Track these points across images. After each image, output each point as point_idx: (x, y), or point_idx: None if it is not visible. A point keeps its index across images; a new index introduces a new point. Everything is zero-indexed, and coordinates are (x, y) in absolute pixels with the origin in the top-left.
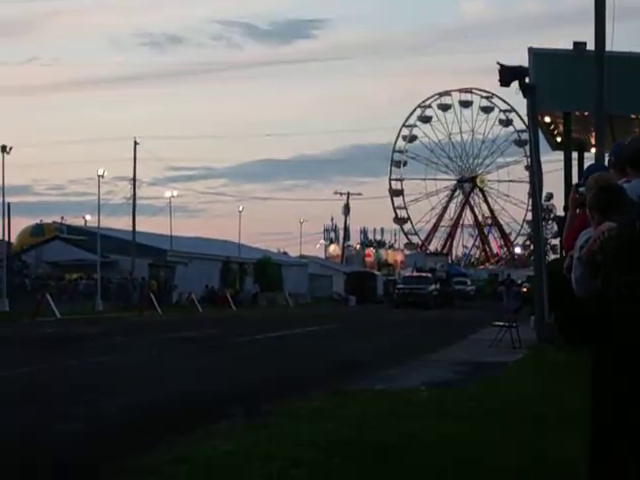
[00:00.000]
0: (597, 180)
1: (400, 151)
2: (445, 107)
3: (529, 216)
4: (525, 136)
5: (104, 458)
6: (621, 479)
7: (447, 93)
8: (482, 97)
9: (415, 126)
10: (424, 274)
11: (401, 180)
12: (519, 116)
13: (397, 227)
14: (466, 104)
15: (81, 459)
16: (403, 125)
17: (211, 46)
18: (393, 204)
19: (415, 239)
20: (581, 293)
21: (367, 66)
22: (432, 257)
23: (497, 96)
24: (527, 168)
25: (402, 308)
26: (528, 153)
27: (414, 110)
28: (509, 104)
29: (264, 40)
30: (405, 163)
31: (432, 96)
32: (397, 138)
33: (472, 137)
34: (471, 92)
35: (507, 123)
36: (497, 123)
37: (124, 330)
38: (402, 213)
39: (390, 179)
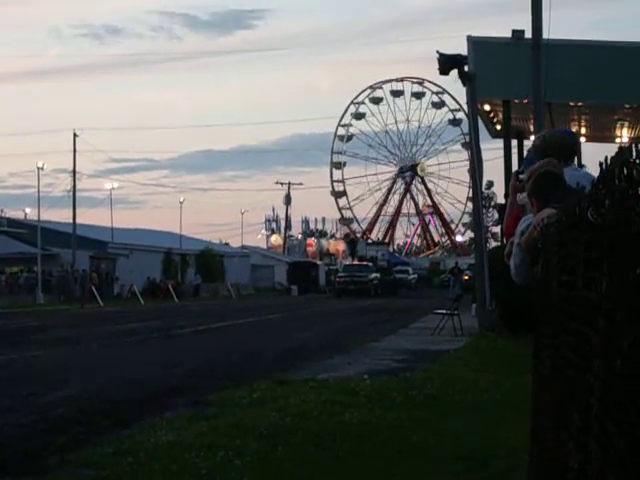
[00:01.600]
0: (540, 167)
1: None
2: (377, 100)
3: (469, 207)
4: (459, 115)
5: (45, 451)
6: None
7: (399, 80)
8: (413, 83)
9: (350, 125)
10: (365, 263)
11: (343, 153)
12: (451, 96)
13: (339, 217)
14: (397, 93)
15: (22, 452)
16: (352, 102)
17: (151, 37)
18: (332, 177)
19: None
20: (519, 280)
21: (307, 56)
22: (373, 246)
23: (427, 80)
24: (464, 146)
25: (343, 297)
26: (464, 132)
27: (364, 89)
28: (440, 86)
29: (204, 31)
30: (350, 137)
31: (364, 90)
32: (344, 113)
33: (408, 125)
34: (402, 81)
35: (440, 105)
36: (430, 106)
37: (65, 323)
38: (339, 187)
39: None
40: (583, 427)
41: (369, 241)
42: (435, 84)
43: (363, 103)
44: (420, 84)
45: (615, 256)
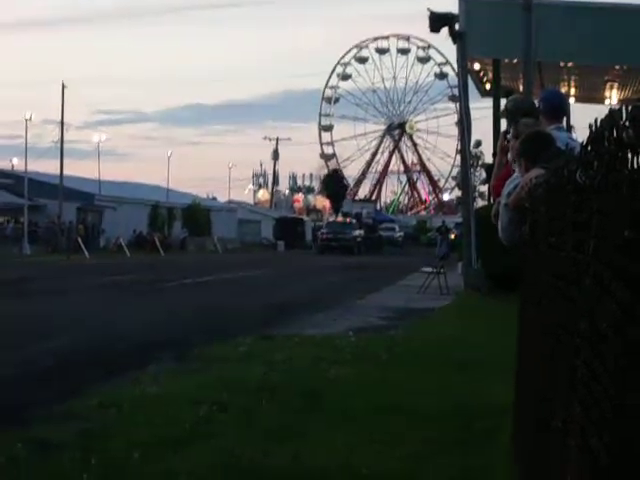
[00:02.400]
0: (528, 127)
1: (332, 87)
2: (382, 51)
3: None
4: (446, 69)
5: (30, 403)
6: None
7: (385, 37)
8: (399, 39)
9: (350, 64)
10: (348, 220)
11: (331, 116)
12: (437, 50)
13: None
14: (403, 51)
15: (6, 403)
16: (338, 62)
17: None
18: (321, 140)
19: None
20: (506, 240)
21: (300, 12)
22: (359, 203)
23: (434, 47)
24: (451, 99)
25: (326, 254)
26: (450, 85)
27: (350, 49)
28: (445, 56)
29: None
30: (337, 99)
31: (350, 50)
32: (331, 74)
33: (405, 85)
34: (408, 40)
35: (442, 76)
36: (416, 62)
37: (51, 274)
38: (329, 149)
39: (320, 114)
40: (568, 387)
41: (355, 198)
42: (421, 39)
43: (349, 64)
44: (406, 40)
45: (604, 218)
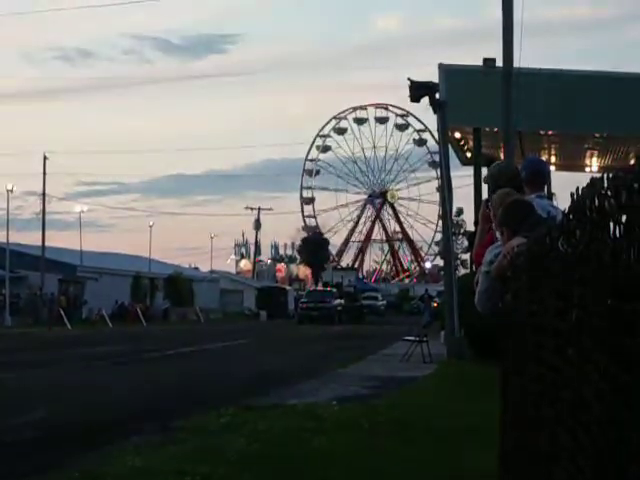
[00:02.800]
0: (502, 196)
1: (313, 160)
2: (360, 121)
3: (438, 237)
4: (424, 135)
5: (11, 476)
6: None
7: (363, 107)
8: (397, 115)
9: (329, 136)
10: (329, 288)
11: (312, 188)
12: (433, 137)
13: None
14: (382, 120)
15: None
16: (317, 135)
17: (123, 61)
18: (303, 212)
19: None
20: (482, 308)
21: (280, 81)
22: (340, 272)
23: (412, 115)
24: (431, 165)
25: (306, 323)
26: (430, 150)
27: (329, 121)
28: (424, 123)
29: (176, 55)
30: (317, 172)
31: (348, 109)
32: (311, 147)
33: (385, 153)
34: (387, 109)
35: (421, 143)
36: (411, 142)
37: (33, 346)
38: (311, 221)
39: (302, 186)
40: (551, 458)
41: (338, 267)
42: (399, 107)
43: (329, 136)
44: (384, 109)
45: (586, 287)
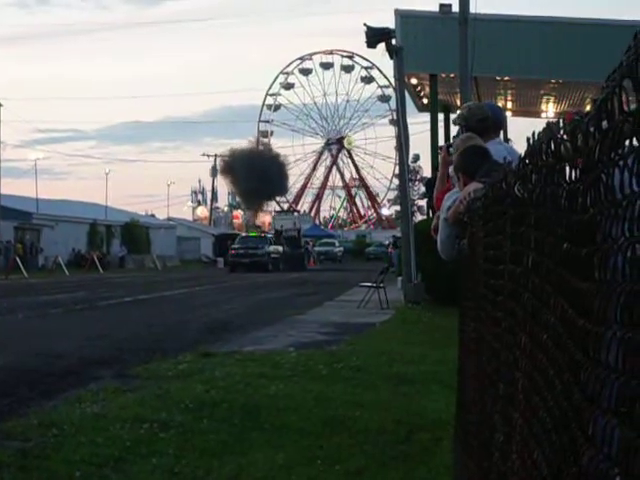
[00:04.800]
0: (465, 141)
1: (266, 121)
2: (306, 71)
3: (395, 183)
4: (388, 92)
5: None
6: (486, 435)
7: (309, 57)
8: (343, 57)
9: (279, 94)
10: (263, 234)
11: (270, 122)
12: (381, 72)
13: None
14: (327, 66)
15: None
16: (267, 94)
17: (79, 7)
18: (258, 146)
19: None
20: (445, 255)
21: (236, 27)
22: (282, 215)
23: (358, 55)
24: (392, 122)
25: (239, 271)
26: (392, 108)
27: (276, 77)
28: (370, 61)
29: (133, 1)
30: (277, 107)
31: (293, 61)
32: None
33: (336, 98)
34: (332, 53)
35: (369, 80)
36: (359, 81)
37: None
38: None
39: (259, 120)
40: (508, 400)
41: (277, 209)
42: (365, 58)
43: (292, 74)
44: (350, 58)
45: (542, 231)
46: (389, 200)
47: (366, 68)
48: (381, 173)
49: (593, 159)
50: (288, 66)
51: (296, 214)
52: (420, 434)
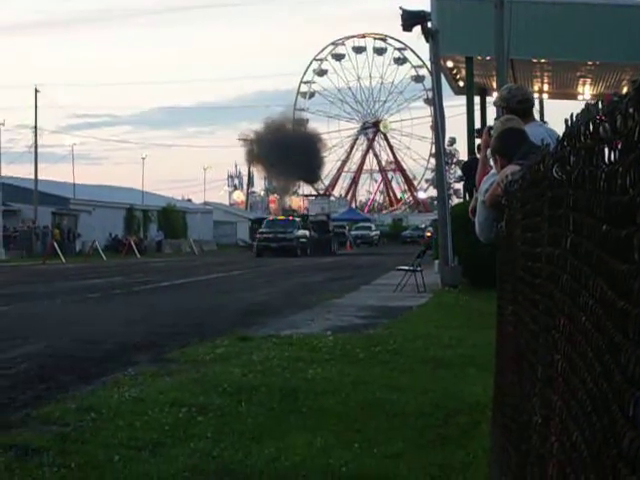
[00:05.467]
0: (504, 123)
1: (302, 109)
2: (339, 57)
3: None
4: (422, 72)
5: (8, 407)
6: (524, 418)
7: (341, 42)
8: (375, 39)
9: (313, 82)
10: (291, 217)
11: (305, 110)
12: (414, 52)
13: None
14: (359, 50)
15: None
16: (301, 82)
17: None
18: None
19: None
20: (483, 237)
21: (274, 11)
22: (312, 198)
23: (390, 37)
24: (426, 102)
25: (266, 256)
26: (427, 87)
27: (310, 64)
28: (402, 42)
29: None
30: (312, 95)
31: (326, 47)
32: (306, 70)
33: (370, 82)
34: (364, 37)
35: (402, 61)
36: (392, 63)
37: (28, 279)
38: None
39: (294, 108)
40: (547, 382)
41: (312, 193)
42: (397, 40)
43: (325, 60)
44: (383, 40)
45: (580, 213)
46: (427, 180)
47: (399, 49)
48: (418, 154)
49: (632, 140)
50: (321, 52)
51: (328, 199)
52: (458, 417)
